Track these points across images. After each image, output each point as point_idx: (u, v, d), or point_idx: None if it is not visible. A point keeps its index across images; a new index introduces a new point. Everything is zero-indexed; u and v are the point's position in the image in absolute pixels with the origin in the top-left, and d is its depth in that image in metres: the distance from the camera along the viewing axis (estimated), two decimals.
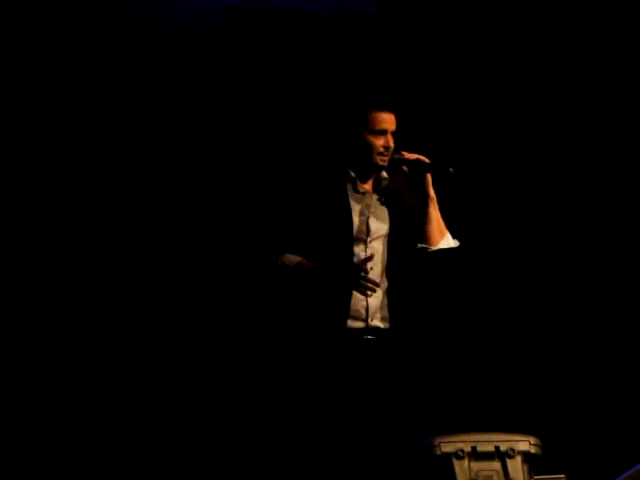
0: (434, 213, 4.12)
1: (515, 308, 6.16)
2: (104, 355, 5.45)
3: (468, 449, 3.53)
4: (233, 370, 5.56)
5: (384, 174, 4.16)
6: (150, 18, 5.70)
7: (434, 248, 4.12)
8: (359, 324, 4.01)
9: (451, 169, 4.07)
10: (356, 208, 4.09)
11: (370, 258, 3.95)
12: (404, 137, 4.32)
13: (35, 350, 5.39)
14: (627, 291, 6.20)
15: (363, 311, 4.00)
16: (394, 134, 4.12)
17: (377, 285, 3.94)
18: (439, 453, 3.52)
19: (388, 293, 4.03)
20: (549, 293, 6.21)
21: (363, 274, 3.89)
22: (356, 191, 4.11)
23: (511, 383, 6.07)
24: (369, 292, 3.92)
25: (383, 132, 4.08)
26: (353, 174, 4.13)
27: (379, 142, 4.08)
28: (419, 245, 4.11)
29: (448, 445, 3.53)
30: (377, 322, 4.02)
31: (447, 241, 4.15)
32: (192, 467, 5.45)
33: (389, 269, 4.05)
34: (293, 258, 4.02)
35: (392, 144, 4.10)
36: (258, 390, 5.43)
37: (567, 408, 6.05)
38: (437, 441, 3.54)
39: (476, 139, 6.24)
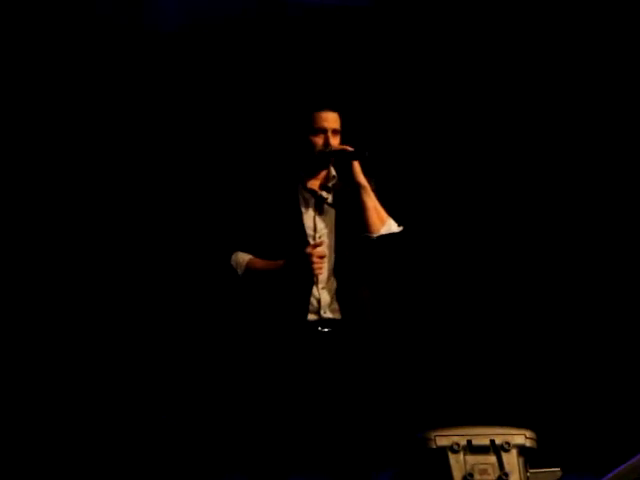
0: (369, 201, 4.14)
1: (517, 306, 6.18)
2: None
3: (463, 443, 3.52)
4: (194, 364, 5.63)
5: (333, 172, 4.20)
6: (141, 11, 5.71)
7: (375, 235, 4.14)
8: (312, 316, 4.08)
9: (367, 153, 4.09)
10: (305, 206, 4.14)
11: (320, 243, 4.05)
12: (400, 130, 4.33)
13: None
14: (621, 285, 6.21)
15: (315, 304, 4.08)
16: (340, 133, 4.16)
17: (324, 255, 4.04)
18: (434, 447, 3.52)
19: (338, 285, 4.09)
20: (548, 290, 6.24)
21: (309, 250, 4.00)
22: (305, 189, 4.16)
23: (507, 377, 6.08)
24: (319, 268, 4.01)
25: (322, 131, 4.11)
26: (302, 173, 4.17)
27: (319, 141, 4.10)
28: (362, 234, 4.13)
29: (443, 439, 3.52)
30: (329, 314, 4.08)
31: (389, 227, 4.17)
32: (152, 458, 5.51)
33: (338, 263, 4.12)
34: (243, 257, 4.12)
35: (333, 143, 4.13)
36: (219, 383, 5.51)
37: (563, 402, 6.06)
38: (432, 434, 3.53)
39: (466, 133, 6.27)
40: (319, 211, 4.15)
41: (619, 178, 6.31)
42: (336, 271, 4.10)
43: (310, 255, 3.99)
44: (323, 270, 4.05)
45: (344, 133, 4.16)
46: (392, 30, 6.21)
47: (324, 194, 4.18)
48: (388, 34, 6.21)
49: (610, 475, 3.62)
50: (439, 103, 6.29)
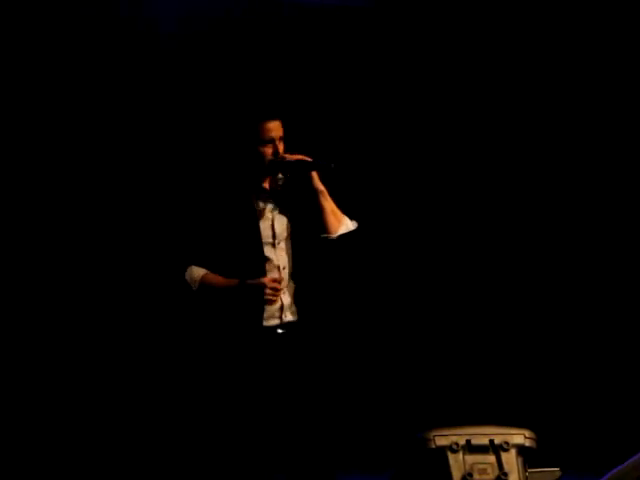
0: (327, 204, 4.25)
1: (516, 306, 6.19)
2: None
3: (462, 442, 3.52)
4: (154, 371, 5.65)
5: (279, 175, 4.26)
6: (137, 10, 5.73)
7: (335, 236, 4.24)
8: (274, 322, 4.19)
9: (332, 164, 4.16)
10: (260, 213, 4.21)
11: (280, 279, 4.13)
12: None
13: None
14: (621, 285, 6.21)
15: (278, 311, 4.19)
16: (283, 139, 4.22)
17: (279, 289, 4.13)
18: (434, 446, 3.52)
19: (296, 288, 4.21)
20: (547, 290, 6.24)
21: (267, 289, 4.09)
22: (258, 197, 4.22)
23: (506, 377, 6.08)
24: (275, 297, 4.12)
25: (270, 141, 4.17)
26: (253, 180, 4.21)
27: (268, 151, 4.16)
28: (322, 236, 4.24)
29: (442, 438, 3.52)
30: (290, 316, 4.20)
31: (346, 226, 4.29)
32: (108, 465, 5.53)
33: (296, 266, 4.20)
34: (198, 272, 4.16)
35: (281, 149, 4.20)
36: (179, 392, 5.55)
37: (562, 402, 6.06)
38: (431, 434, 3.53)
39: (457, 135, 6.28)
40: (279, 209, 4.22)
41: (618, 178, 6.31)
42: (294, 274, 4.20)
43: (265, 286, 4.07)
44: (276, 298, 4.13)
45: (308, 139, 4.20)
46: (392, 31, 6.22)
47: (277, 197, 4.23)
48: (388, 35, 6.22)
49: (610, 474, 3.62)
50: (438, 104, 6.29)
